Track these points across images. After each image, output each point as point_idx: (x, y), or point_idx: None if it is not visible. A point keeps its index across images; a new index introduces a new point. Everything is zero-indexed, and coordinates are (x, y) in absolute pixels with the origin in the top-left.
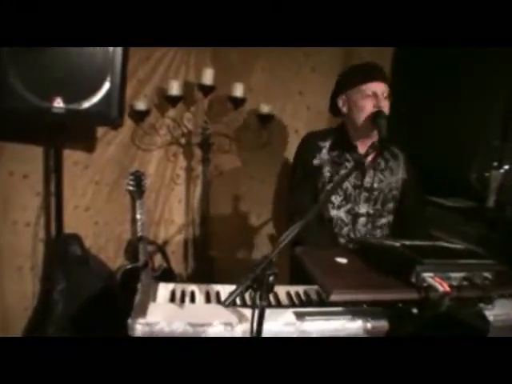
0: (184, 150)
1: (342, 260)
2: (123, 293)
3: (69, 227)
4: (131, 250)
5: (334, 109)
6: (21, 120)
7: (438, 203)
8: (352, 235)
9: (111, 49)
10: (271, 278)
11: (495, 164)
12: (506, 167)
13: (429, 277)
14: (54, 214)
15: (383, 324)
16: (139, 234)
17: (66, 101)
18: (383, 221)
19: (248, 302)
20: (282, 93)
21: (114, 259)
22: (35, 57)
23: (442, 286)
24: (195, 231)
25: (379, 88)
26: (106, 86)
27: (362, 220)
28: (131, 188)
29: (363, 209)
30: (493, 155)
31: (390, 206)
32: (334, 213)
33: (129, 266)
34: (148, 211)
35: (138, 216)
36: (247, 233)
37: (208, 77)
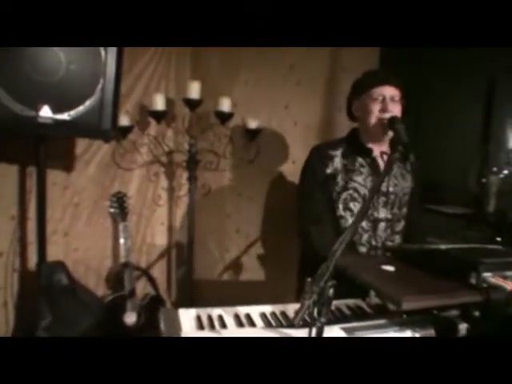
0: (165, 170)
1: (389, 268)
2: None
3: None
4: (113, 278)
5: (350, 115)
6: (1, 131)
7: (438, 211)
8: (373, 242)
9: (103, 54)
10: (331, 291)
11: (494, 169)
12: (506, 172)
13: (489, 277)
14: (30, 241)
15: (430, 332)
16: (123, 259)
17: (53, 110)
18: (400, 226)
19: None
20: (267, 107)
21: (95, 288)
22: (20, 62)
23: (508, 285)
24: (179, 254)
25: (387, 92)
26: (98, 94)
27: (382, 225)
28: (113, 210)
29: (382, 214)
30: (490, 161)
31: (405, 210)
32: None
33: (112, 296)
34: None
35: (122, 240)
36: (235, 254)
37: (195, 90)
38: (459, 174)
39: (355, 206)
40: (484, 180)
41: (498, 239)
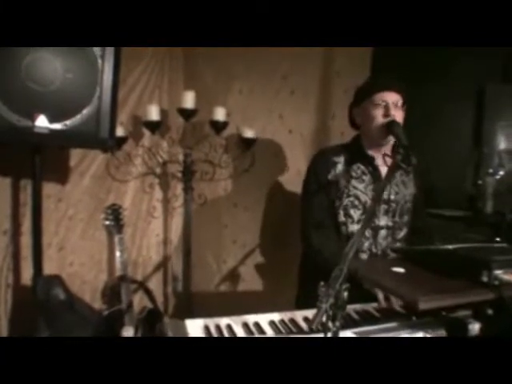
0: (160, 181)
1: (400, 269)
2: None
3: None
4: (110, 292)
5: (352, 122)
6: None
7: (436, 214)
8: (373, 249)
9: (100, 62)
10: (345, 294)
11: (490, 171)
12: (501, 173)
13: (501, 274)
14: (23, 256)
15: (441, 333)
16: (120, 272)
17: (50, 119)
18: (402, 234)
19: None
20: (261, 115)
21: (91, 303)
22: (16, 71)
23: None
24: (175, 266)
25: (390, 97)
26: (95, 103)
27: (383, 233)
28: (109, 222)
29: (383, 221)
30: (484, 162)
31: (407, 218)
32: (353, 228)
33: (109, 310)
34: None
35: (118, 253)
36: (232, 264)
37: (189, 100)
38: (454, 176)
39: (355, 213)
40: (480, 182)
41: (498, 239)
